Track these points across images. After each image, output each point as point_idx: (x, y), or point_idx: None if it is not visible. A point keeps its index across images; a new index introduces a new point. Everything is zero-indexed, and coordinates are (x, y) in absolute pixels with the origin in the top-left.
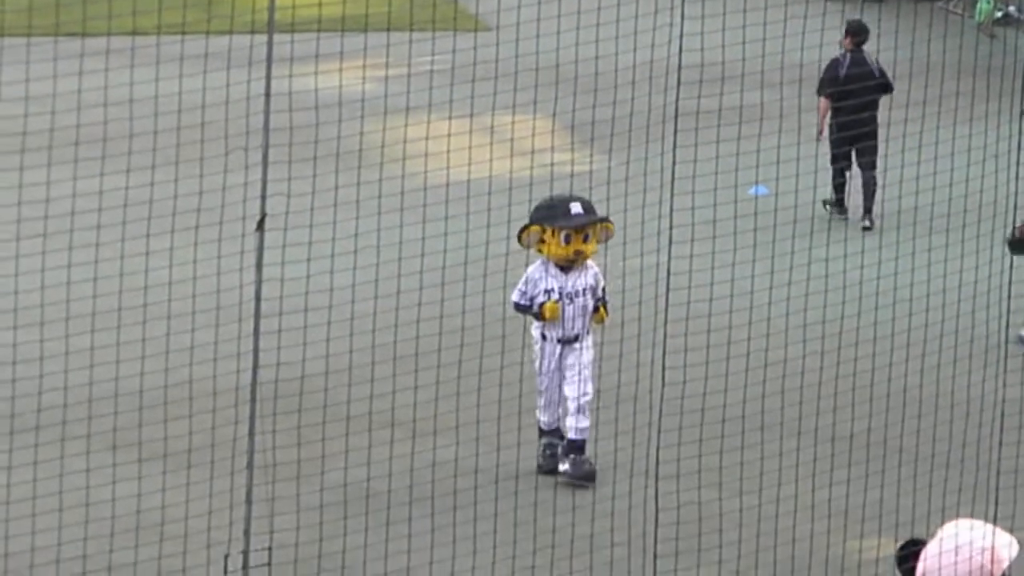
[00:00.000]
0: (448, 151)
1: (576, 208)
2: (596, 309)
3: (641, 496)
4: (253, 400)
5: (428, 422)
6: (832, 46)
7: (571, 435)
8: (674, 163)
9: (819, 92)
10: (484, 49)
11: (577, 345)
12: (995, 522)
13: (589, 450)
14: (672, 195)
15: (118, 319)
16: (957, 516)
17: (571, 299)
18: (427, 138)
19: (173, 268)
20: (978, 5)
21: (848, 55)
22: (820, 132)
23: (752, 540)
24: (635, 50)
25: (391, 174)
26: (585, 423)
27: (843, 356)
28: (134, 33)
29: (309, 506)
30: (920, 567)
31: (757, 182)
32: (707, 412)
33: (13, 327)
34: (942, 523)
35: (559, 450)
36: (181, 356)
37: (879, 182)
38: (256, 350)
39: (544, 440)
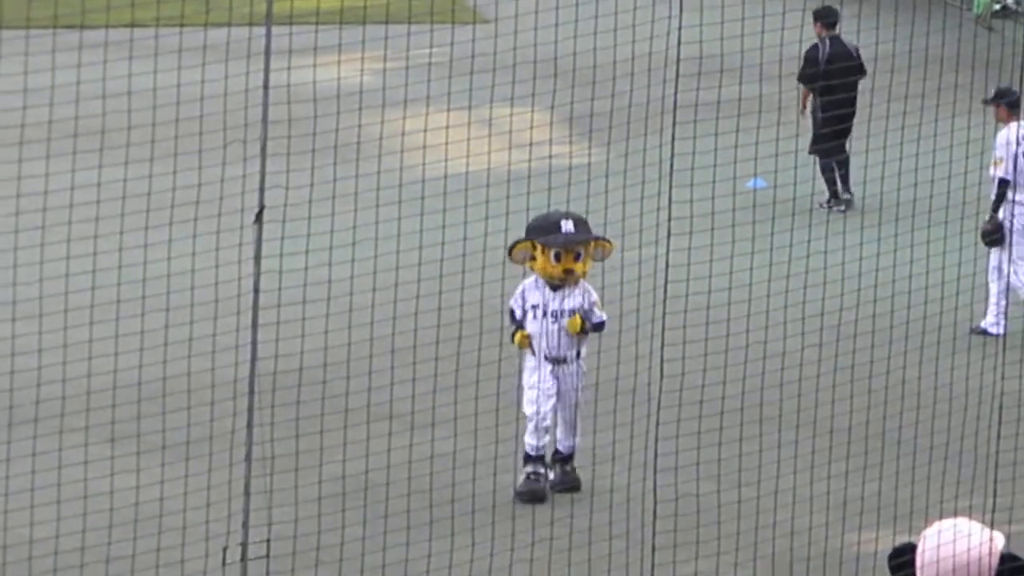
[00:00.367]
0: (446, 143)
1: (568, 226)
2: (584, 331)
3: (639, 488)
4: (251, 392)
5: (426, 414)
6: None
7: (559, 446)
8: (672, 155)
9: (801, 81)
10: (482, 41)
11: (568, 369)
12: (993, 513)
13: (587, 442)
14: (671, 187)
15: (116, 311)
16: (955, 508)
17: (556, 318)
18: (425, 130)
19: (171, 260)
20: None
21: (826, 40)
22: (803, 108)
23: (750, 532)
24: (633, 42)
25: (389, 166)
26: (573, 442)
27: (841, 348)
28: (132, 25)
29: (307, 498)
30: (919, 560)
31: (756, 175)
32: (705, 404)
33: (11, 319)
34: (940, 516)
35: (542, 479)
36: (179, 348)
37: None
38: (254, 342)
39: (529, 468)
